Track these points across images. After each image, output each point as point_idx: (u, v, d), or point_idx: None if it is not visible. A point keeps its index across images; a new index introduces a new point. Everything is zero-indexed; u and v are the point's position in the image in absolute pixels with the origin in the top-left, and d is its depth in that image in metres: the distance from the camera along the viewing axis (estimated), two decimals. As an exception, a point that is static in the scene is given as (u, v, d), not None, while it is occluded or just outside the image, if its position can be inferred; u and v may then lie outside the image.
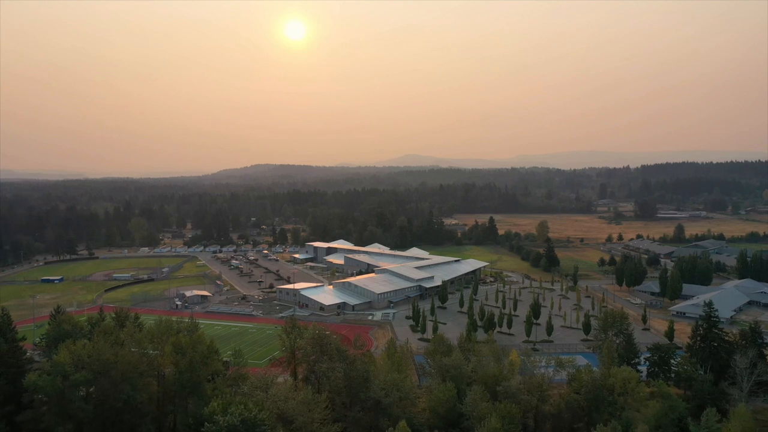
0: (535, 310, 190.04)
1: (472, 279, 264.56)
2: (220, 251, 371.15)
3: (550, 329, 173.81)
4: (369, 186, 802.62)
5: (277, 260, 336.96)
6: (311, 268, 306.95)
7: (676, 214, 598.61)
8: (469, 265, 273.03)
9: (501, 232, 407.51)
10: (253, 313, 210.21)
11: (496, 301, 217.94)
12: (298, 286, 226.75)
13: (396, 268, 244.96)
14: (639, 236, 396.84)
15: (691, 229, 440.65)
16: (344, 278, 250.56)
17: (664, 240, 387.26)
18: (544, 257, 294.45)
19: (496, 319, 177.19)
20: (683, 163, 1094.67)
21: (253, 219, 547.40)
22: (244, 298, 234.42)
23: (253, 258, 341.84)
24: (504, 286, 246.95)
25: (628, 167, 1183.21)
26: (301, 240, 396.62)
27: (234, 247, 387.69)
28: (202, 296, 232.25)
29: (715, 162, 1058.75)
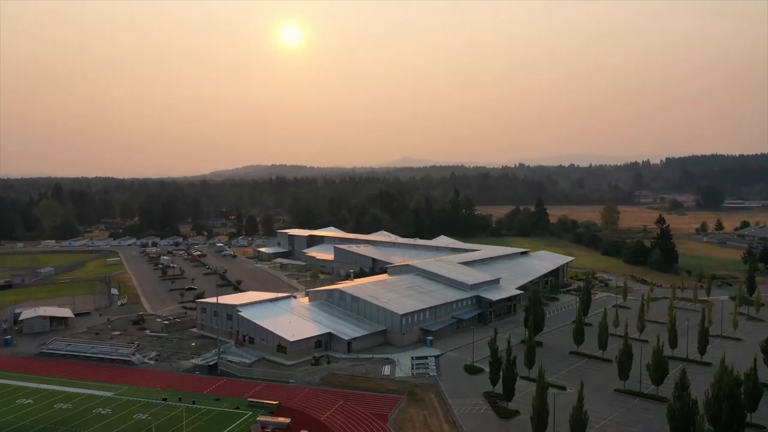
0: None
1: (554, 284, 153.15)
2: (155, 244, 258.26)
3: None
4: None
5: (235, 256, 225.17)
6: (281, 267, 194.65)
7: (744, 203, 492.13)
8: (546, 260, 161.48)
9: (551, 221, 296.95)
10: (132, 358, 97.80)
11: (640, 331, 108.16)
12: (236, 299, 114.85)
13: (428, 265, 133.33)
14: (745, 223, 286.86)
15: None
16: (332, 284, 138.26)
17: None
18: (657, 249, 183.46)
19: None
20: (712, 155, 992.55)
21: (223, 210, 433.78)
22: (138, 321, 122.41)
23: (199, 253, 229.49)
24: (624, 299, 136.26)
25: (648, 162, 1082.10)
26: (276, 231, 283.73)
27: (179, 240, 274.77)
28: (55, 319, 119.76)
29: (739, 154, 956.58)
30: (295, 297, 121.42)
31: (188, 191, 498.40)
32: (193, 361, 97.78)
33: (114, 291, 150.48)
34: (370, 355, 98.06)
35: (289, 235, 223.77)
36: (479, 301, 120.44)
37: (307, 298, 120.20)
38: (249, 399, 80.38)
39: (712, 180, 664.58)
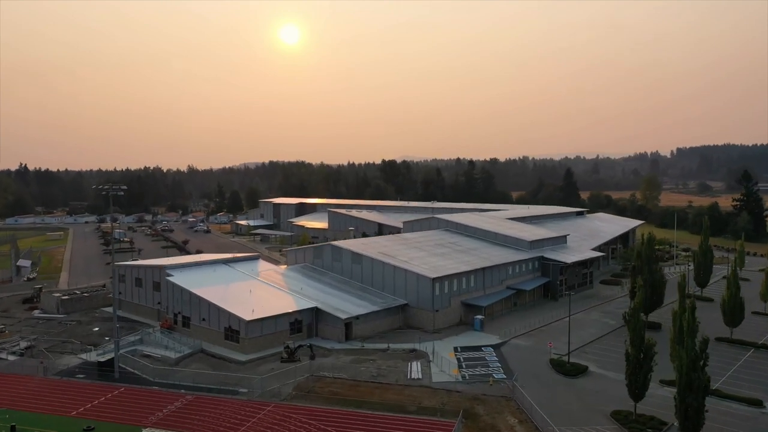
0: None
1: (626, 251, 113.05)
2: (115, 220, 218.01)
3: None
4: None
5: (208, 231, 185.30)
6: (262, 239, 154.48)
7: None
8: (611, 222, 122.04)
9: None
10: (-26, 351, 57.11)
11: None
12: (170, 260, 74.83)
13: (463, 218, 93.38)
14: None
15: None
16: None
17: None
18: (744, 213, 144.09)
19: None
20: (726, 145, 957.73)
21: (208, 193, 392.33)
22: (32, 298, 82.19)
23: (164, 228, 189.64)
24: (740, 268, 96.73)
25: (657, 153, 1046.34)
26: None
27: (147, 216, 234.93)
28: None
29: (752, 144, 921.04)
30: (256, 258, 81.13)
31: (173, 176, 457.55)
32: (82, 356, 57.56)
33: (24, 263, 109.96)
34: (384, 345, 57.83)
35: (274, 204, 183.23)
36: (543, 265, 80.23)
37: (285, 266, 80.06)
38: (147, 429, 40.11)
39: (733, 165, 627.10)
